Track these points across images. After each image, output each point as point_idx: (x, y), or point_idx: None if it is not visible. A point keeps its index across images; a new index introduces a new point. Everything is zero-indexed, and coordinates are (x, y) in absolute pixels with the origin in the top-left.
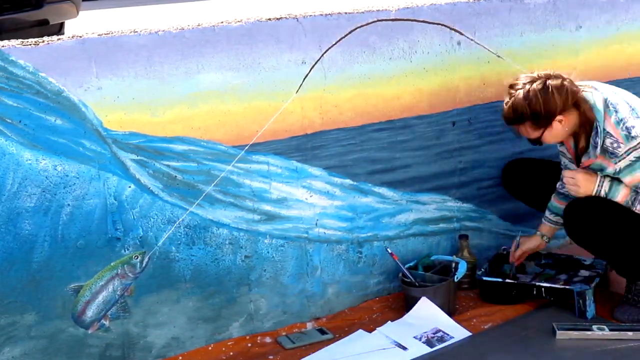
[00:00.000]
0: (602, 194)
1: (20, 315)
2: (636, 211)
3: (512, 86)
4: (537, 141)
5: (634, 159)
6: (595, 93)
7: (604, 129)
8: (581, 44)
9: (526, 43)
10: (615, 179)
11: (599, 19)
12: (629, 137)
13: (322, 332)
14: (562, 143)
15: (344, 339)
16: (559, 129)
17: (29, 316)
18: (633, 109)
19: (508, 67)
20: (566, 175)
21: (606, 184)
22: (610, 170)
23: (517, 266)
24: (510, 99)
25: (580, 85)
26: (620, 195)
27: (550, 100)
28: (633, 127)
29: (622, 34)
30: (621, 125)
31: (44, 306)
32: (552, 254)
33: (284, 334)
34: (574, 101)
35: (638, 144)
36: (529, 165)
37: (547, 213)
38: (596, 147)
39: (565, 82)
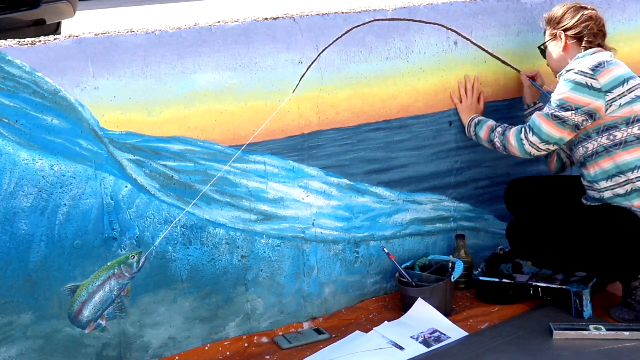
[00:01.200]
0: (474, 123)
1: (17, 315)
2: (495, 137)
3: None
4: (543, 50)
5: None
6: (603, 55)
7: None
8: None
9: (523, 43)
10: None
11: None
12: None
13: (318, 332)
14: None
15: (341, 340)
16: (555, 48)
17: (26, 316)
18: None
19: (504, 67)
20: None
21: (478, 119)
22: None
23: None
24: None
25: (609, 48)
26: (486, 125)
27: (572, 16)
28: (562, 93)
29: (619, 34)
30: (563, 85)
31: (41, 306)
32: None
33: (280, 334)
34: (584, 37)
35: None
36: (531, 184)
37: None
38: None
39: (599, 24)
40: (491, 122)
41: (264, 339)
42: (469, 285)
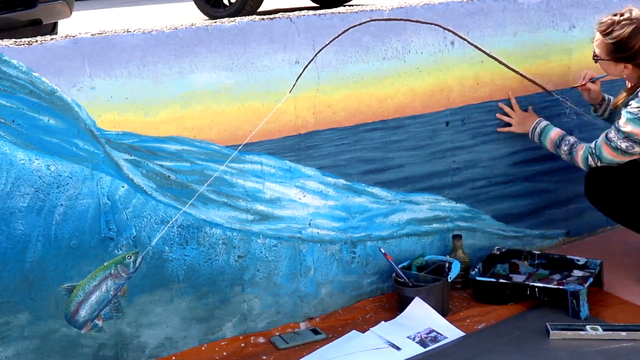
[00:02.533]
0: (537, 133)
1: (13, 315)
2: (562, 154)
3: (625, 12)
4: (597, 59)
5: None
6: None
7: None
8: (575, 44)
9: (519, 43)
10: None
11: (593, 18)
12: None
13: (315, 332)
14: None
15: (337, 340)
16: (620, 70)
17: (22, 316)
18: None
19: (501, 67)
20: (506, 111)
21: (542, 124)
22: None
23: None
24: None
25: None
26: (549, 138)
27: (633, 36)
28: None
29: None
30: None
31: (37, 306)
32: (545, 254)
33: (277, 334)
34: None
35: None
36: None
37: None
38: (626, 106)
39: None
40: (553, 135)
41: (261, 339)
42: (466, 285)
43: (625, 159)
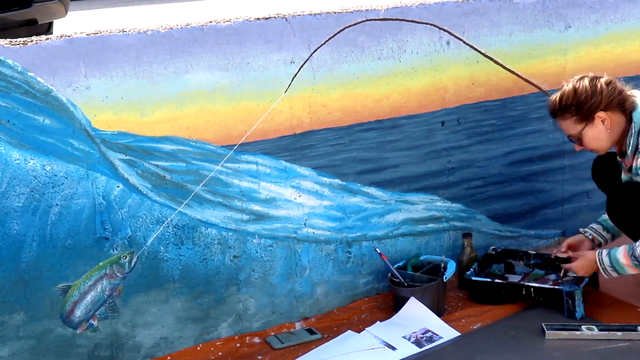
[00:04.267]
0: (607, 267)
1: (8, 315)
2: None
3: (563, 84)
4: (578, 139)
5: None
6: None
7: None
8: (570, 44)
9: (515, 43)
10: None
11: (588, 18)
12: None
13: (310, 332)
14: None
15: (333, 340)
16: (600, 128)
17: (18, 316)
18: None
19: (497, 67)
20: (566, 268)
21: (604, 255)
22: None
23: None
24: (558, 90)
25: (633, 93)
26: (621, 255)
27: (596, 92)
28: None
29: (611, 33)
30: None
31: (33, 306)
32: (541, 254)
33: (272, 334)
34: (621, 101)
35: None
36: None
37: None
38: (629, 147)
39: (617, 83)
40: (622, 249)
41: (256, 339)
42: (462, 285)
43: None
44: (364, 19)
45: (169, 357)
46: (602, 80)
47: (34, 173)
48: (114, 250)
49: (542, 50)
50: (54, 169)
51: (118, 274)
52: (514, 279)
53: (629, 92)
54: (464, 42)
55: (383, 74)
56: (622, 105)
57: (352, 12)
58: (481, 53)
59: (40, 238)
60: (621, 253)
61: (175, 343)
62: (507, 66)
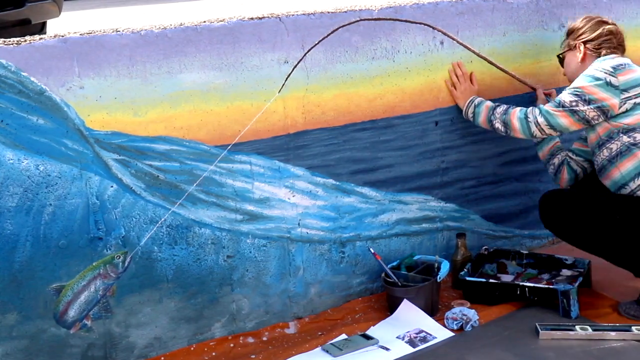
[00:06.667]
0: (472, 105)
1: (1, 315)
2: (496, 124)
3: None
4: (561, 60)
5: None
6: (625, 59)
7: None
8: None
9: (509, 42)
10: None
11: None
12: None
13: (366, 337)
14: None
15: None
16: (576, 57)
17: (11, 316)
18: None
19: (491, 67)
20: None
21: (477, 101)
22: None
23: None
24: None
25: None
26: (482, 112)
27: (590, 28)
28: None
29: None
30: (573, 88)
31: (26, 306)
32: (533, 254)
33: (329, 342)
34: (601, 46)
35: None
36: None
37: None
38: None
39: (618, 36)
40: (490, 103)
41: (250, 339)
42: (456, 285)
43: (571, 123)
44: (358, 19)
45: (162, 357)
46: (607, 26)
47: (27, 173)
48: (107, 250)
49: (536, 50)
50: (47, 169)
51: (112, 274)
52: (506, 278)
53: (618, 53)
54: (458, 42)
55: (377, 73)
56: (599, 50)
57: (345, 12)
58: (475, 53)
59: (33, 238)
60: (485, 105)
61: (168, 343)
62: (501, 66)
